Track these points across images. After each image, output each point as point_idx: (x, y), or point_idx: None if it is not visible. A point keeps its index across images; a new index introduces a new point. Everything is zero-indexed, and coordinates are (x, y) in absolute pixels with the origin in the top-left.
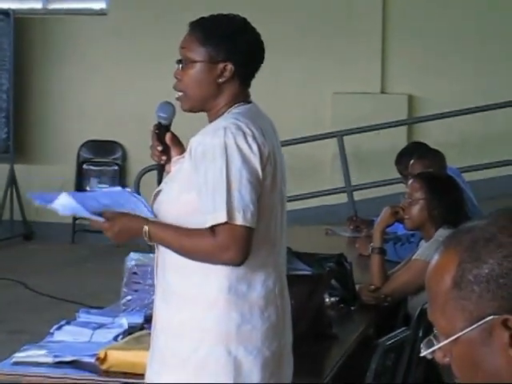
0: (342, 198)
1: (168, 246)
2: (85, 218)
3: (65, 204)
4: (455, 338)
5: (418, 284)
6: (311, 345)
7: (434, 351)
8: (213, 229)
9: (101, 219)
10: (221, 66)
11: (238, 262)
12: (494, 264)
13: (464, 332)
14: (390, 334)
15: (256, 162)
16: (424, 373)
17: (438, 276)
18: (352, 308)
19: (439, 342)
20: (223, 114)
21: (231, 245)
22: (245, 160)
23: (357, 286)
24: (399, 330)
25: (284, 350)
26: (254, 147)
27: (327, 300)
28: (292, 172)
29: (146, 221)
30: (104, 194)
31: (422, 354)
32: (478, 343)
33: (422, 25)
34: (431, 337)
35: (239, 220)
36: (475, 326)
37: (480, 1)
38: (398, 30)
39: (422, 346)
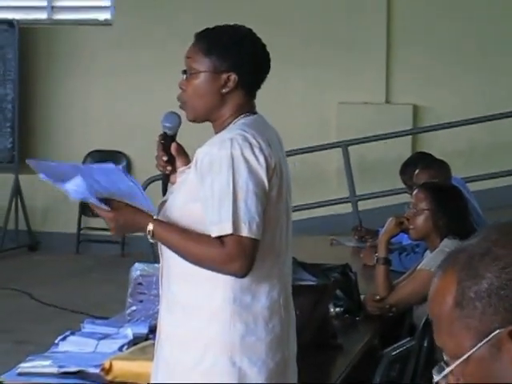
0: (347, 208)
1: (172, 248)
2: (89, 228)
3: (78, 186)
4: (466, 359)
5: (423, 294)
6: (316, 355)
7: (446, 377)
8: (221, 239)
9: (107, 208)
10: (224, 76)
11: (242, 274)
12: (492, 277)
13: (473, 351)
14: (395, 344)
15: (262, 174)
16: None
17: (440, 298)
18: (357, 318)
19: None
20: (229, 124)
21: (237, 256)
22: (251, 171)
23: (362, 297)
24: (404, 341)
25: (289, 360)
26: (261, 159)
27: (332, 310)
28: (297, 182)
29: (151, 218)
30: (99, 170)
31: (434, 381)
32: (488, 360)
33: (426, 35)
34: (442, 363)
35: (245, 231)
36: (483, 342)
37: (481, 8)
38: (402, 40)
39: (433, 372)
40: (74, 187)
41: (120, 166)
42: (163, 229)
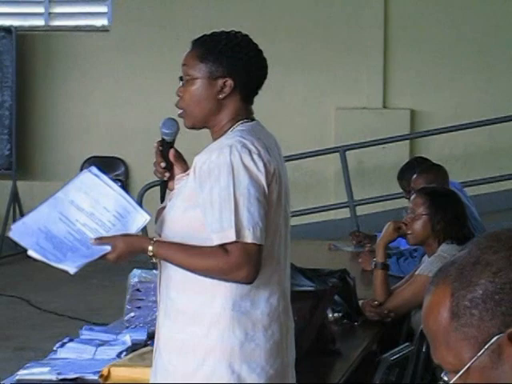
0: (345, 213)
1: (176, 265)
2: None
3: (74, 258)
4: (467, 370)
5: (421, 299)
6: (314, 361)
7: None
8: (224, 247)
9: (105, 250)
10: (220, 81)
11: (250, 280)
12: (485, 283)
13: (474, 359)
14: (393, 349)
15: (262, 180)
16: None
17: (435, 312)
18: (355, 323)
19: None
20: (227, 131)
21: (243, 264)
22: (251, 177)
23: (360, 302)
24: (403, 346)
25: (287, 366)
26: (260, 165)
27: (330, 315)
28: (295, 187)
29: (149, 240)
30: (75, 188)
31: None
32: (490, 368)
33: (423, 40)
34: (442, 383)
35: (249, 238)
36: (483, 350)
37: (479, 10)
38: (399, 45)
39: None
40: (71, 264)
41: (92, 168)
42: (163, 248)
